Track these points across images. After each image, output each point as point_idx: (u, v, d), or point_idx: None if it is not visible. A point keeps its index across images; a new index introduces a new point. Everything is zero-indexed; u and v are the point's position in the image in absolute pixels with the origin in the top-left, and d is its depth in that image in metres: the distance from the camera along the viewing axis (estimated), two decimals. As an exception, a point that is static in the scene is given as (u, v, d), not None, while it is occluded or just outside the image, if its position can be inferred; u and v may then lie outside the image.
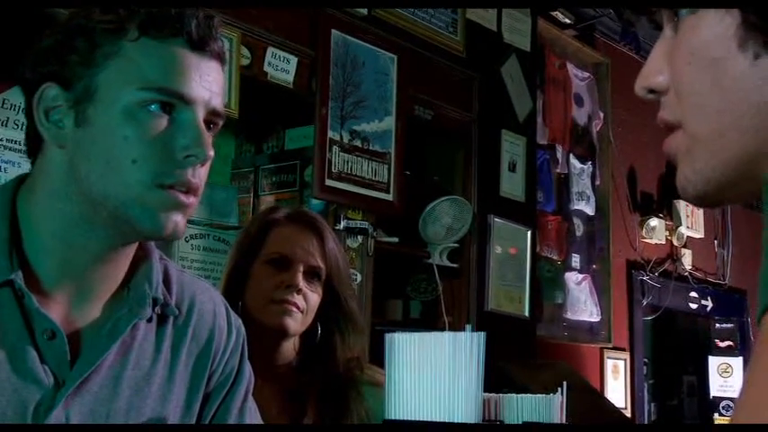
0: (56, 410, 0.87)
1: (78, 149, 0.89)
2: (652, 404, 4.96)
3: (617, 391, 4.26)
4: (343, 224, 2.79)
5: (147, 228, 0.89)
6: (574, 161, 4.17)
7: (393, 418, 1.03)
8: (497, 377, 2.82)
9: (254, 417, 1.08)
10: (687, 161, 0.60)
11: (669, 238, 4.68)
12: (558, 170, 4.07)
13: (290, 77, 2.68)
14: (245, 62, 2.55)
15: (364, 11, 2.91)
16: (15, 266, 0.88)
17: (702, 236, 4.92)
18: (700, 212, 4.88)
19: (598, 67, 4.40)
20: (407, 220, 3.09)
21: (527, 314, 3.51)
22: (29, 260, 0.91)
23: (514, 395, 1.08)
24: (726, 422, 4.57)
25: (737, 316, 5.01)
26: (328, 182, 2.74)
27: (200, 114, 0.90)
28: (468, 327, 1.03)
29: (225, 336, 1.04)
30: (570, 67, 4.21)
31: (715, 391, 4.79)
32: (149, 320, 0.97)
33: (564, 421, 1.08)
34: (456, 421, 0.99)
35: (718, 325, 4.88)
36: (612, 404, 3.72)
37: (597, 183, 4.31)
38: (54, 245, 0.91)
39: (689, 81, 0.59)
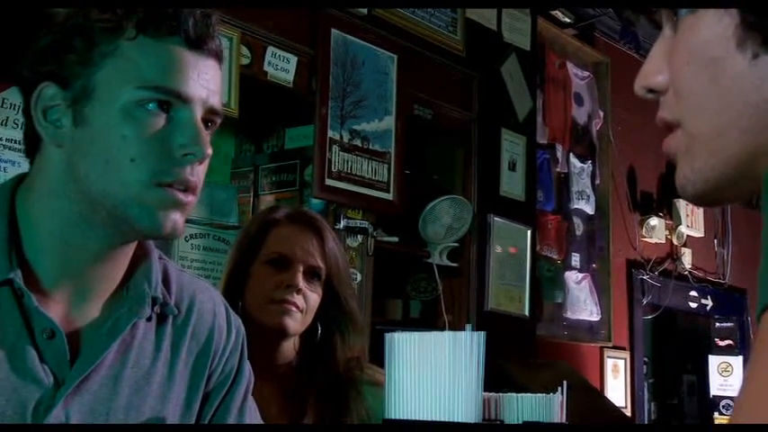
0: (55, 410, 0.87)
1: (76, 149, 0.89)
2: (652, 403, 4.96)
3: (617, 391, 4.26)
4: (342, 223, 2.79)
5: (146, 226, 0.89)
6: (574, 160, 4.17)
7: (393, 417, 1.03)
8: (497, 376, 2.82)
9: (253, 416, 1.08)
10: (686, 160, 0.60)
11: (669, 237, 4.68)
12: (557, 169, 4.07)
13: (290, 77, 2.68)
14: (245, 61, 2.55)
15: (364, 10, 2.91)
16: (14, 266, 0.88)
17: (702, 235, 4.92)
18: (699, 212, 4.88)
19: (598, 67, 4.40)
20: (407, 220, 3.09)
21: (527, 313, 3.51)
22: (28, 259, 0.91)
23: (514, 395, 1.08)
24: (726, 421, 4.57)
25: (737, 315, 5.01)
26: (328, 181, 2.74)
27: (198, 113, 0.90)
28: (468, 326, 1.03)
29: (224, 335, 1.04)
30: (570, 66, 4.21)
31: (715, 390, 4.79)
32: (149, 320, 0.97)
33: (564, 421, 1.08)
34: (456, 421, 0.99)
35: (718, 324, 4.89)
36: (612, 403, 3.72)
37: (597, 182, 4.31)
38: (53, 244, 0.91)
39: (688, 81, 0.59)
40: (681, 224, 4.73)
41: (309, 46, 2.74)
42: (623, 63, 4.43)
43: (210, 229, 2.50)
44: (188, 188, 0.90)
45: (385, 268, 2.98)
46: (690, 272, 4.80)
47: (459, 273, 3.28)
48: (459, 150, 3.37)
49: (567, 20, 4.13)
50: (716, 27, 0.56)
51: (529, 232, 3.57)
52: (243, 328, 1.09)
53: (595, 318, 4.17)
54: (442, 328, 3.02)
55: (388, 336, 1.05)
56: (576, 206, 4.17)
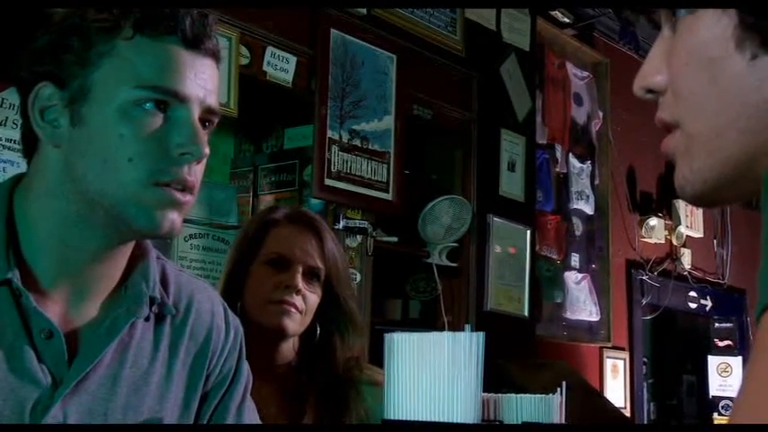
0: (53, 410, 0.87)
1: (74, 148, 0.89)
2: (651, 404, 4.96)
3: (616, 391, 4.26)
4: (342, 224, 2.79)
5: (144, 226, 0.89)
6: (573, 160, 4.17)
7: (392, 417, 1.03)
8: (496, 377, 2.81)
9: (252, 416, 1.07)
10: (685, 161, 0.60)
11: (668, 237, 4.69)
12: (557, 169, 4.07)
13: (290, 77, 2.68)
14: (245, 61, 2.55)
15: (363, 10, 2.91)
16: (12, 265, 0.88)
17: (702, 235, 4.92)
18: (699, 212, 4.88)
19: (597, 67, 4.40)
20: (407, 220, 3.09)
21: (526, 314, 3.51)
22: (26, 259, 0.91)
23: (514, 395, 1.08)
24: (725, 421, 4.58)
25: (737, 315, 5.01)
26: (327, 181, 2.74)
27: (195, 112, 0.90)
28: (468, 327, 1.03)
29: (223, 335, 1.04)
30: (569, 66, 4.21)
31: (714, 390, 4.79)
32: (147, 319, 0.97)
33: (563, 421, 1.08)
34: (455, 421, 0.99)
35: (717, 324, 4.89)
36: (612, 404, 3.72)
37: (596, 182, 4.32)
38: (51, 244, 0.91)
39: (686, 81, 0.59)
40: (680, 224, 4.73)
41: (309, 46, 2.74)
42: (622, 63, 4.43)
43: (210, 228, 2.50)
44: (185, 188, 0.90)
45: (384, 268, 2.98)
46: (689, 272, 4.80)
47: (458, 273, 3.28)
48: (459, 150, 3.37)
49: (567, 20, 4.13)
50: (715, 28, 0.56)
51: (528, 232, 3.57)
52: (241, 328, 1.08)
53: (595, 318, 4.17)
54: (442, 329, 3.02)
55: (387, 336, 1.05)
56: (575, 206, 4.17)
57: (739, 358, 4.79)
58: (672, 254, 4.73)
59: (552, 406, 1.07)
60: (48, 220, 0.91)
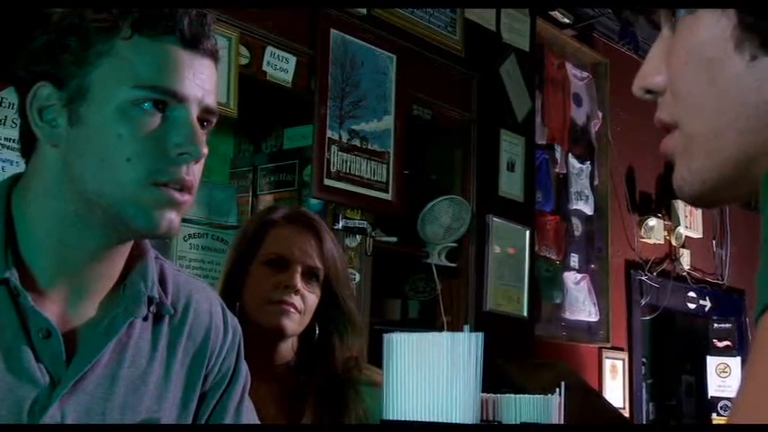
0: (51, 409, 0.87)
1: (72, 148, 0.89)
2: (650, 404, 4.96)
3: (615, 391, 4.26)
4: (341, 224, 2.79)
5: (142, 226, 0.89)
6: (572, 161, 4.17)
7: (391, 418, 1.03)
8: (495, 377, 2.81)
9: (250, 416, 1.07)
10: (684, 161, 0.60)
11: (667, 237, 4.69)
12: (556, 170, 4.07)
13: (289, 77, 2.68)
14: (244, 61, 2.55)
15: (363, 10, 2.91)
16: (10, 265, 0.88)
17: (701, 236, 4.92)
18: (698, 212, 4.88)
19: (597, 67, 4.40)
20: (406, 220, 3.09)
21: (525, 314, 3.51)
22: (24, 259, 0.91)
23: (512, 395, 1.08)
24: (723, 422, 4.58)
25: (736, 316, 5.01)
26: (327, 181, 2.74)
27: (194, 112, 0.90)
28: (467, 327, 1.03)
29: (221, 335, 1.04)
30: (569, 66, 4.21)
31: (713, 390, 4.79)
32: (145, 319, 0.97)
33: (562, 421, 1.08)
34: (454, 421, 0.99)
35: (716, 325, 4.89)
36: (611, 404, 3.72)
37: (596, 182, 4.32)
38: (49, 243, 0.91)
39: (686, 81, 0.59)
40: (679, 225, 4.73)
41: (308, 46, 2.74)
42: (622, 64, 4.43)
43: (209, 228, 2.50)
44: (184, 187, 0.90)
45: (383, 268, 2.98)
46: (688, 273, 4.80)
47: (457, 273, 3.28)
48: (458, 150, 3.37)
49: (566, 20, 4.13)
50: (714, 28, 0.56)
51: (527, 233, 3.57)
52: (239, 328, 1.08)
53: (594, 318, 4.17)
54: (441, 329, 3.02)
55: (386, 336, 1.05)
56: (574, 207, 4.17)
57: (738, 359, 4.79)
58: (671, 254, 4.73)
59: (551, 406, 1.07)
60: (46, 220, 0.91)
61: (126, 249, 0.95)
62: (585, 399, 3.35)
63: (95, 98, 0.88)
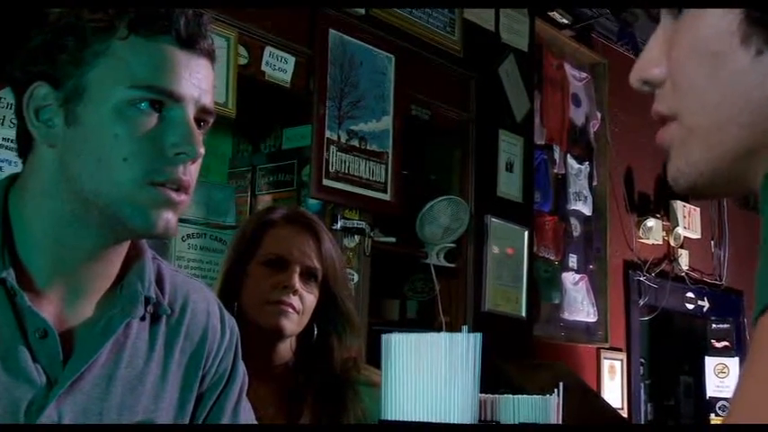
0: (48, 409, 0.87)
1: (69, 148, 0.89)
2: (648, 404, 4.96)
3: (613, 392, 4.26)
4: (340, 224, 2.79)
5: (139, 225, 0.89)
6: (571, 161, 4.18)
7: (389, 418, 1.03)
8: (494, 377, 2.81)
9: (248, 416, 1.07)
10: (681, 153, 0.60)
11: (666, 238, 4.69)
12: (555, 170, 4.07)
13: (288, 77, 2.68)
14: (243, 62, 2.55)
15: (362, 10, 2.91)
16: (7, 264, 0.88)
17: (699, 236, 4.93)
18: (697, 213, 4.89)
19: (595, 68, 4.40)
20: (405, 220, 3.09)
21: (524, 314, 3.51)
22: (21, 259, 0.91)
23: (511, 396, 1.08)
24: (722, 422, 4.58)
25: (734, 316, 5.02)
26: (325, 181, 2.74)
27: (190, 112, 0.90)
28: (465, 327, 1.03)
29: (218, 335, 1.04)
30: (568, 67, 4.21)
31: (711, 391, 4.80)
32: (142, 319, 0.97)
33: (560, 422, 1.08)
34: (452, 422, 0.99)
35: (714, 325, 4.89)
36: (609, 404, 3.73)
37: (594, 183, 4.32)
38: (46, 243, 0.91)
39: (688, 74, 0.58)
40: (678, 225, 4.74)
41: (307, 46, 2.74)
42: (621, 64, 4.43)
43: (207, 228, 2.50)
44: (181, 187, 0.90)
45: (382, 269, 2.98)
46: (687, 273, 4.81)
47: (456, 273, 3.28)
48: (457, 151, 3.38)
49: (565, 21, 4.13)
50: (720, 21, 0.55)
51: (526, 233, 3.57)
52: (237, 328, 1.08)
53: (592, 319, 4.17)
54: (439, 329, 3.02)
55: (384, 337, 1.05)
56: (573, 207, 4.17)
57: (736, 359, 4.79)
58: (669, 255, 4.74)
59: (549, 406, 1.07)
60: (43, 220, 0.91)
61: (123, 249, 0.95)
62: (584, 399, 3.35)
63: (92, 98, 0.88)
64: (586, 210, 4.24)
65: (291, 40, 2.70)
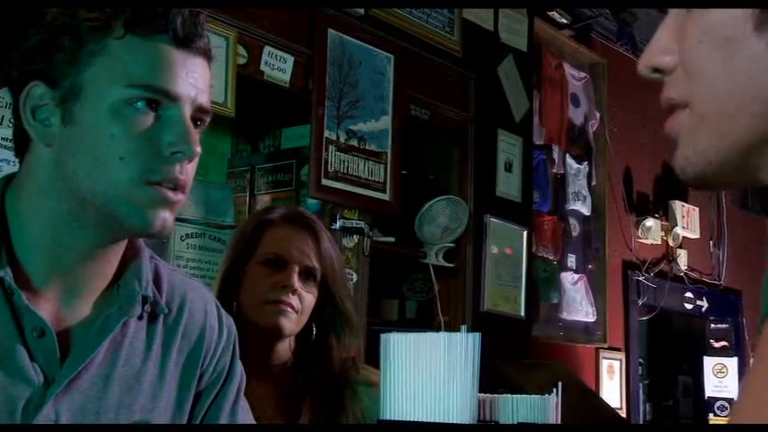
0: (45, 408, 0.87)
1: (65, 147, 0.89)
2: (647, 404, 4.97)
3: (612, 392, 4.26)
4: (339, 224, 2.79)
5: (136, 224, 0.89)
6: (570, 161, 4.18)
7: (388, 418, 1.03)
8: (493, 377, 2.82)
9: (246, 416, 1.07)
10: (689, 141, 0.58)
11: (665, 238, 4.69)
12: (554, 170, 4.07)
13: (287, 77, 2.68)
14: (242, 61, 2.55)
15: (361, 10, 2.91)
16: (4, 263, 0.88)
17: (698, 236, 4.93)
18: (695, 213, 4.89)
19: (594, 68, 4.40)
20: (404, 220, 3.09)
21: (523, 314, 3.51)
22: (18, 258, 0.91)
23: (510, 395, 1.08)
24: (720, 422, 4.58)
25: (732, 316, 5.02)
26: (324, 181, 2.74)
27: (187, 111, 0.90)
28: (464, 327, 1.03)
29: (216, 334, 1.04)
30: (567, 67, 4.21)
31: (710, 391, 4.80)
32: (140, 318, 0.97)
33: (559, 422, 1.08)
34: (451, 422, 0.99)
35: (713, 325, 4.89)
36: (608, 404, 3.73)
37: (593, 183, 4.32)
38: (43, 242, 0.91)
39: (699, 60, 0.56)
40: (677, 225, 4.74)
41: (306, 46, 2.74)
42: (620, 64, 4.43)
43: (206, 228, 2.49)
44: (177, 186, 0.90)
45: (381, 268, 2.98)
46: (685, 273, 4.81)
47: (455, 273, 3.28)
48: (456, 151, 3.37)
49: (564, 21, 4.13)
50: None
51: (525, 233, 3.57)
52: (234, 328, 1.08)
53: (591, 318, 4.17)
54: (438, 329, 3.02)
55: (383, 336, 1.05)
56: (572, 207, 4.17)
57: (735, 359, 4.79)
58: (668, 255, 4.74)
59: (548, 406, 1.07)
60: (39, 219, 0.91)
61: (120, 248, 0.95)
62: (582, 399, 3.35)
63: (88, 97, 0.88)
64: (585, 210, 4.24)
65: (290, 39, 2.70)
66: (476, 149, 3.37)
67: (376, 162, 2.92)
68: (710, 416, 4.74)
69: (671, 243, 4.73)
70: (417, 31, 3.14)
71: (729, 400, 4.70)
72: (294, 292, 1.49)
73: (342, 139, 2.81)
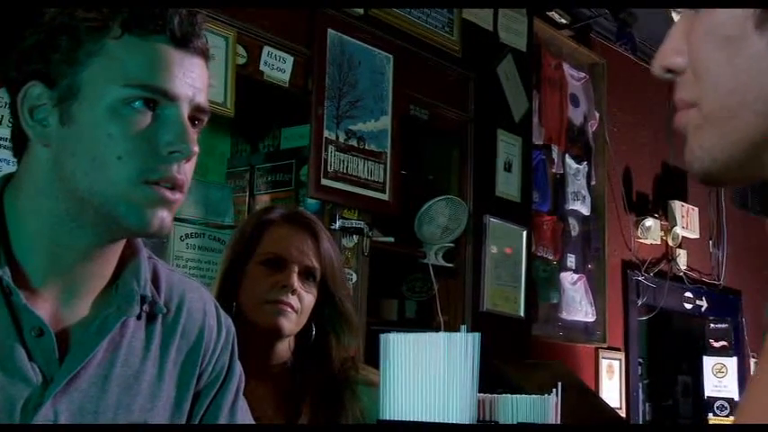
0: (44, 408, 0.87)
1: (63, 147, 0.89)
2: (647, 404, 4.97)
3: (612, 391, 4.26)
4: (338, 224, 2.78)
5: (134, 224, 0.89)
6: (569, 161, 4.18)
7: (388, 418, 1.03)
8: (492, 377, 2.81)
9: (245, 416, 1.07)
10: (696, 138, 0.59)
11: (664, 238, 4.69)
12: (553, 170, 4.07)
13: (286, 77, 2.68)
14: (241, 61, 2.54)
15: (360, 10, 2.91)
16: (3, 263, 0.89)
17: (697, 236, 4.93)
18: (695, 213, 4.89)
19: (594, 68, 4.40)
20: (403, 220, 3.09)
21: (522, 314, 3.51)
22: (16, 257, 0.91)
23: (509, 395, 1.08)
24: (720, 422, 4.59)
25: (732, 316, 5.02)
26: (324, 181, 2.74)
27: (185, 110, 0.90)
28: (464, 327, 1.03)
29: (215, 334, 1.04)
30: (566, 67, 4.21)
31: (709, 391, 4.80)
32: (138, 318, 0.97)
33: (558, 421, 1.08)
34: (451, 422, 0.99)
35: (712, 325, 4.89)
36: (607, 404, 3.73)
37: (593, 183, 4.32)
38: (41, 242, 0.91)
39: (705, 60, 0.57)
40: (676, 225, 4.74)
41: (306, 46, 2.74)
42: (619, 64, 4.44)
43: (206, 228, 2.49)
44: (175, 186, 0.90)
45: (380, 268, 2.98)
46: (685, 273, 4.81)
47: (454, 273, 3.28)
48: (455, 151, 3.37)
49: (564, 21, 4.13)
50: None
51: (524, 233, 3.57)
52: (233, 327, 1.08)
53: (590, 318, 4.17)
54: (438, 329, 3.02)
55: (383, 336, 1.05)
56: (571, 207, 4.17)
57: (734, 359, 4.80)
58: (667, 255, 4.74)
59: (548, 406, 1.07)
60: (38, 219, 0.91)
61: (118, 248, 0.96)
62: (582, 399, 3.35)
63: (86, 97, 0.88)
64: (585, 209, 4.24)
65: (290, 39, 2.70)
66: (475, 149, 3.37)
67: (375, 162, 2.92)
68: (710, 416, 4.75)
69: (670, 243, 4.73)
70: (417, 31, 3.14)
71: (729, 400, 4.70)
72: (294, 292, 1.49)
73: (341, 139, 2.81)
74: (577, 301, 4.10)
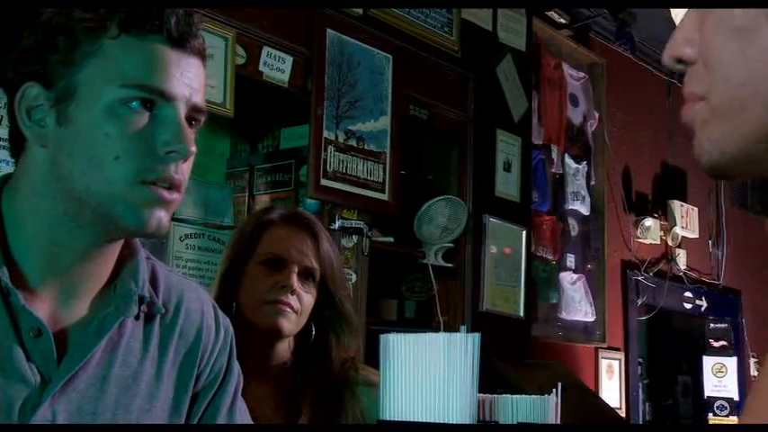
0: (42, 408, 0.87)
1: (60, 148, 0.89)
2: (647, 404, 4.97)
3: (612, 391, 4.26)
4: (338, 224, 2.78)
5: (131, 224, 0.89)
6: (569, 161, 4.18)
7: (388, 418, 1.03)
8: (492, 377, 2.81)
9: (243, 416, 1.07)
10: (704, 131, 0.58)
11: (664, 238, 4.69)
12: (553, 170, 4.07)
13: (286, 77, 2.67)
14: (241, 61, 2.54)
15: (360, 10, 2.91)
16: (1, 263, 0.89)
17: (697, 236, 4.93)
18: (694, 213, 4.89)
19: (593, 68, 4.40)
20: (403, 220, 3.09)
21: (522, 314, 3.51)
22: (14, 258, 0.91)
23: (509, 396, 1.08)
24: (718, 422, 4.59)
25: (732, 316, 5.02)
26: (323, 181, 2.74)
27: (182, 111, 0.90)
28: (463, 327, 1.03)
29: (213, 335, 1.04)
30: (565, 67, 4.21)
31: (709, 390, 4.80)
32: (137, 318, 0.97)
33: (558, 421, 1.08)
34: (451, 422, 0.99)
35: (712, 325, 4.90)
36: (607, 404, 3.73)
37: (592, 183, 4.32)
38: (39, 243, 0.91)
39: (717, 50, 0.56)
40: (676, 225, 4.74)
41: (305, 46, 2.74)
42: (619, 64, 4.44)
43: (205, 228, 2.49)
44: (172, 186, 0.90)
45: (380, 268, 2.98)
46: (684, 273, 4.81)
47: (454, 273, 3.28)
48: (455, 151, 3.37)
49: (563, 21, 4.13)
50: None
51: (524, 233, 3.57)
52: (231, 328, 1.08)
53: (590, 318, 4.17)
54: (437, 329, 3.02)
55: (382, 337, 1.05)
56: (570, 207, 4.17)
57: (734, 359, 4.80)
58: (667, 254, 4.74)
59: (548, 406, 1.07)
60: (35, 219, 0.91)
61: (116, 248, 0.95)
62: (582, 399, 3.35)
63: (83, 97, 0.88)
64: (584, 209, 4.24)
65: (289, 39, 2.70)
66: (474, 149, 3.37)
67: (375, 162, 2.92)
68: (710, 415, 4.75)
69: (670, 243, 4.73)
70: (416, 31, 3.14)
71: (729, 400, 4.70)
72: (293, 292, 1.49)
73: (341, 140, 2.81)
74: (577, 301, 4.10)
